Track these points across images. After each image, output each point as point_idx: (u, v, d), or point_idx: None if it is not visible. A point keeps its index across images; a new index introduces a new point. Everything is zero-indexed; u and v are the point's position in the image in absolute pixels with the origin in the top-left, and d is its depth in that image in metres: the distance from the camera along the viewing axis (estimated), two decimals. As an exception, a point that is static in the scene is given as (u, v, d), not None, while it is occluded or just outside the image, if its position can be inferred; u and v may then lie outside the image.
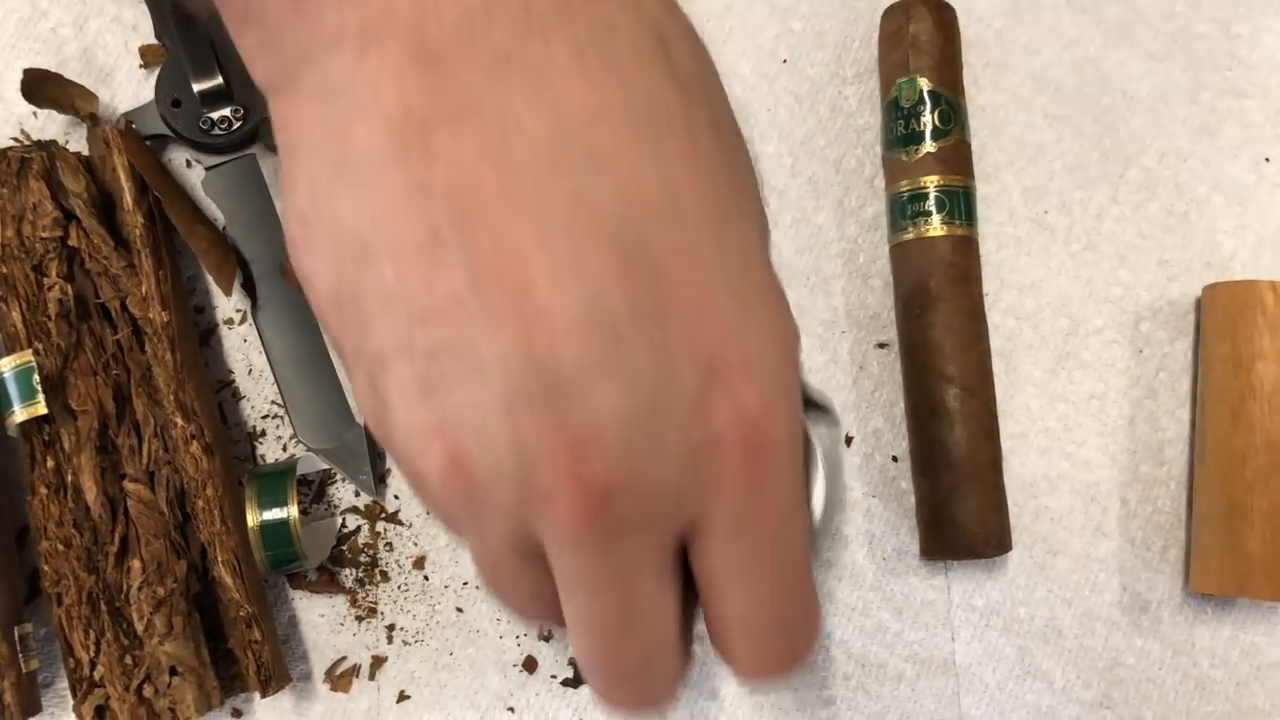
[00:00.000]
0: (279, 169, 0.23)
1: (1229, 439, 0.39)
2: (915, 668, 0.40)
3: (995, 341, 0.42)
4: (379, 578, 0.40)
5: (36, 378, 0.36)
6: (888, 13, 0.41)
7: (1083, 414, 0.42)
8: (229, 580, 0.37)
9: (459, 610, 0.40)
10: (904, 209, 0.40)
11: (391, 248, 0.20)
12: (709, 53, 0.24)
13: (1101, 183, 0.43)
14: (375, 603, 0.40)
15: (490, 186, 0.20)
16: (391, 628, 0.40)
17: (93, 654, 0.36)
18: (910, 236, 0.40)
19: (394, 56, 0.20)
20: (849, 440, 0.41)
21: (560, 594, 0.23)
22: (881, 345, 0.42)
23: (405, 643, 0.40)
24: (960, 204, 0.40)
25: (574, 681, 0.39)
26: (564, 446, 0.20)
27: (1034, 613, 0.41)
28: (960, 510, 0.39)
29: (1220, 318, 0.41)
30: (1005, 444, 0.41)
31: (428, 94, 0.20)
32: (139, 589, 0.36)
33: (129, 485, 0.37)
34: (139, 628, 0.36)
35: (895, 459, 0.41)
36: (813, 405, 0.29)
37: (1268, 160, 0.43)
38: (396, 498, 0.40)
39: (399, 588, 0.40)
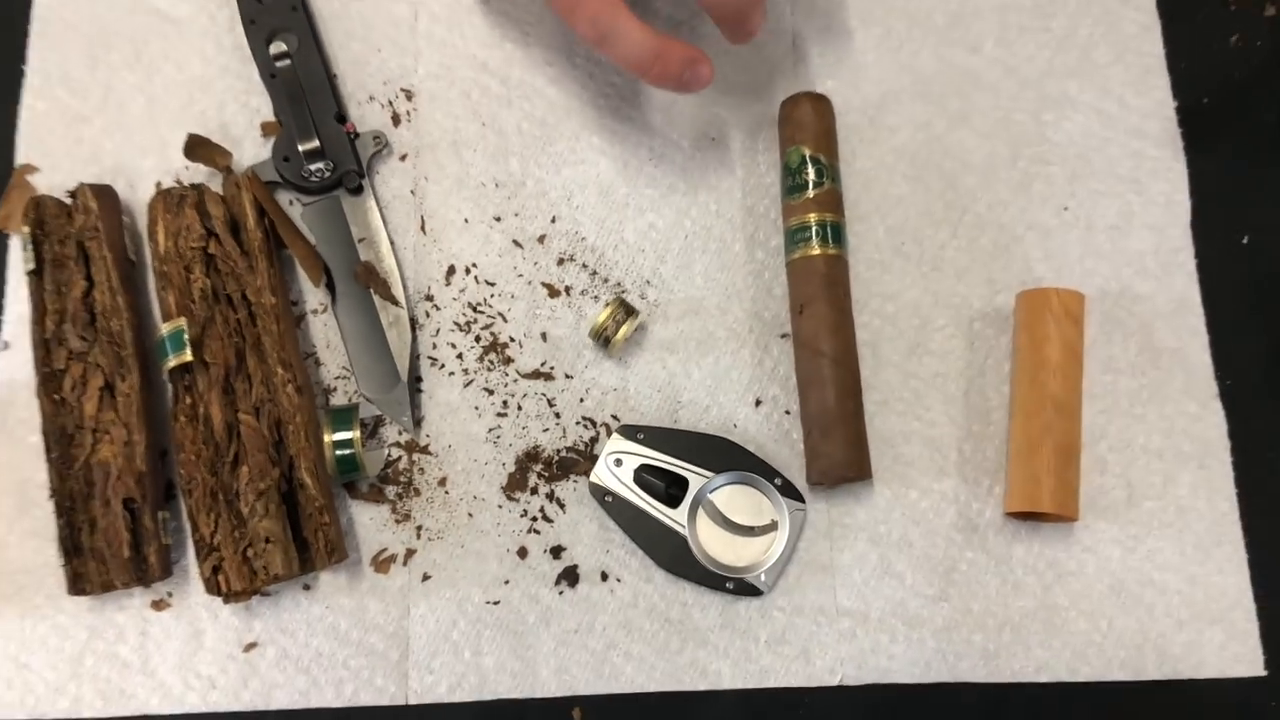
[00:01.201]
0: None
1: (1028, 398, 0.54)
2: (800, 568, 0.55)
3: (864, 335, 0.57)
4: (413, 493, 0.55)
5: (186, 336, 0.53)
6: (783, 104, 0.58)
7: (929, 387, 0.57)
8: (309, 481, 0.52)
9: (470, 515, 0.55)
10: (793, 237, 0.57)
11: None
12: None
13: (944, 224, 0.59)
14: (409, 510, 0.55)
15: None
16: (420, 528, 0.55)
17: (213, 529, 0.52)
18: (798, 256, 0.56)
19: None
20: (758, 402, 0.57)
21: None
22: (784, 336, 0.58)
23: (429, 539, 0.55)
24: (831, 233, 0.56)
25: None
26: None
27: (891, 529, 0.55)
28: (831, 446, 0.54)
29: (1024, 314, 0.56)
30: (870, 408, 0.56)
31: None
32: (246, 484, 0.52)
33: (242, 415, 0.53)
34: (245, 511, 0.52)
35: (788, 413, 0.56)
36: (795, 496, 0.49)
37: (1066, 209, 0.59)
38: (428, 436, 0.56)
39: (427, 500, 0.55)
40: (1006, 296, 0.58)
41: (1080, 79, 0.61)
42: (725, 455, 0.55)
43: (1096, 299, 0.58)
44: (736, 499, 0.55)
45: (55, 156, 0.59)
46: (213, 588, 0.52)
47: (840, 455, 0.53)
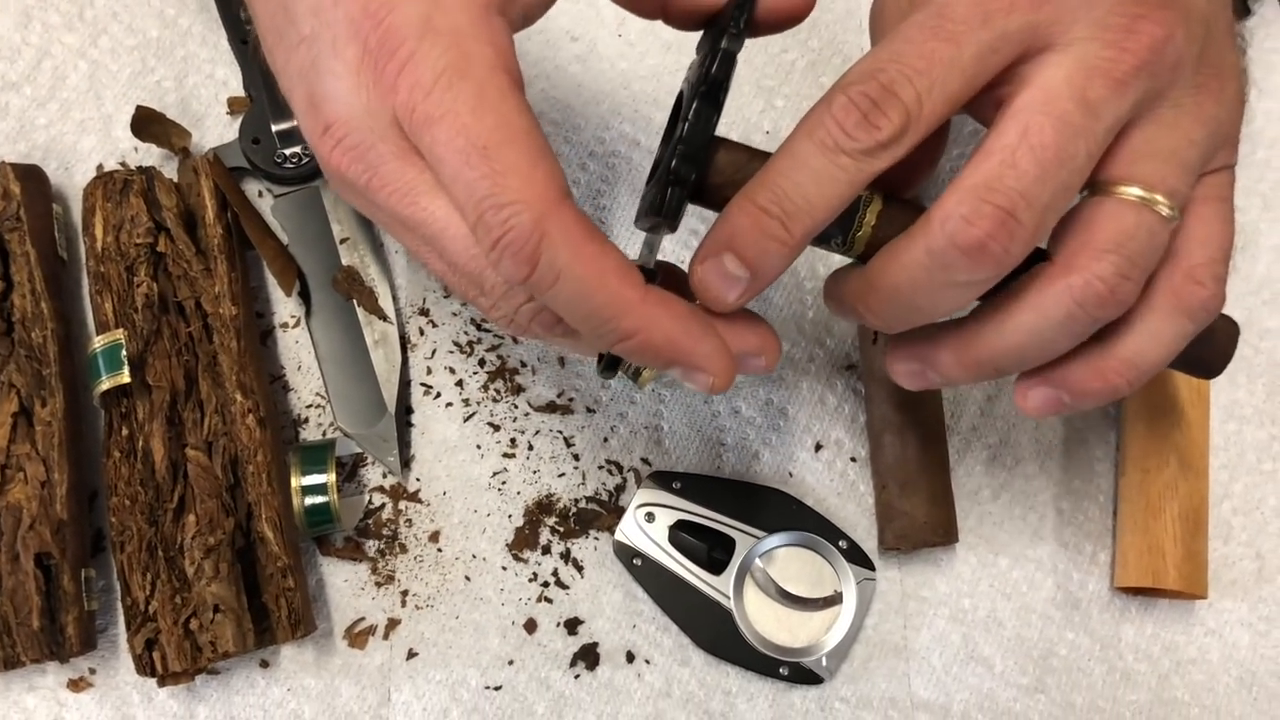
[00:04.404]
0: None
1: (1145, 451, 0.45)
2: (868, 650, 0.45)
3: (944, 368, 0.48)
4: (398, 549, 0.46)
5: (124, 353, 0.43)
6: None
7: (1020, 433, 0.48)
8: (270, 534, 0.43)
9: (467, 579, 0.45)
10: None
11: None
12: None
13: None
14: (393, 571, 0.45)
15: None
16: (406, 593, 0.45)
17: (148, 593, 0.42)
18: (869, 273, 0.47)
19: None
20: (818, 447, 0.47)
21: None
22: (849, 368, 0.48)
23: (417, 607, 0.45)
24: (911, 246, 0.47)
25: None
26: None
27: (977, 605, 0.46)
28: (910, 504, 0.44)
29: (1136, 351, 0.47)
30: (950, 455, 0.47)
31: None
32: (192, 538, 0.42)
33: (190, 452, 0.43)
34: (189, 571, 0.42)
35: (854, 460, 0.47)
36: (863, 562, 0.43)
37: (1179, 225, 0.50)
38: (418, 480, 0.46)
39: (415, 559, 0.45)
40: (1110, 327, 0.49)
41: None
42: (779, 511, 0.45)
43: (1216, 332, 0.49)
44: (793, 565, 0.45)
45: (-25, 131, 0.49)
46: (145, 667, 0.41)
47: (923, 515, 0.44)
